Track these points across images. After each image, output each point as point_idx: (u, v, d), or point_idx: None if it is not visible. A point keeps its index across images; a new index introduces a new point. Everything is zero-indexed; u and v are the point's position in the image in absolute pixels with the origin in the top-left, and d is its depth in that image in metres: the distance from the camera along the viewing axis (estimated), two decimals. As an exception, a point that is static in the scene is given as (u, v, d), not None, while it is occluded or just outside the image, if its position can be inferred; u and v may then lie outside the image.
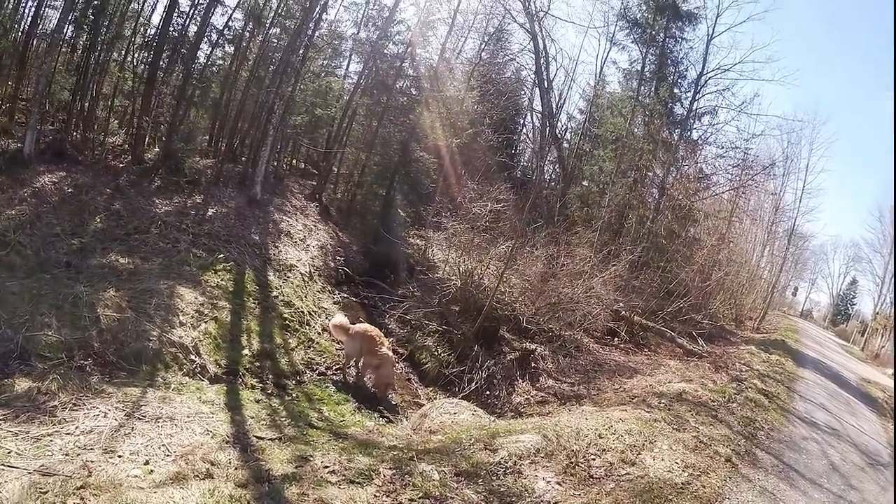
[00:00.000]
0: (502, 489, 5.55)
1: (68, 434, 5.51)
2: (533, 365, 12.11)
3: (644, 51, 22.26)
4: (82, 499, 4.30)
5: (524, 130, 29.47)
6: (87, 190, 12.01)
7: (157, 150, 14.67)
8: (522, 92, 28.14)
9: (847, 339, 55.74)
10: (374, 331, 10.33)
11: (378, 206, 18.18)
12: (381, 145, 18.55)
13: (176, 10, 14.62)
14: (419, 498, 5.07)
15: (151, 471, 5.05)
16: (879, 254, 50.14)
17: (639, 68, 22.55)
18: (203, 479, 4.82)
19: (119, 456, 5.31)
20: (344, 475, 5.21)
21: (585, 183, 23.32)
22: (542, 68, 21.41)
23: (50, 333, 7.43)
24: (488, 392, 11.21)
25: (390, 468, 5.48)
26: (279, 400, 8.71)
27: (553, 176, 26.17)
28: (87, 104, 14.09)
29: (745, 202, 29.88)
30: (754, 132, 23.31)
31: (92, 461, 5.05)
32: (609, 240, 18.31)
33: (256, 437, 6.28)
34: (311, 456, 5.57)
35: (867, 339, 49.89)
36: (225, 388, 8.24)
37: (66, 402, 6.08)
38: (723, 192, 23.60)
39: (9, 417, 5.59)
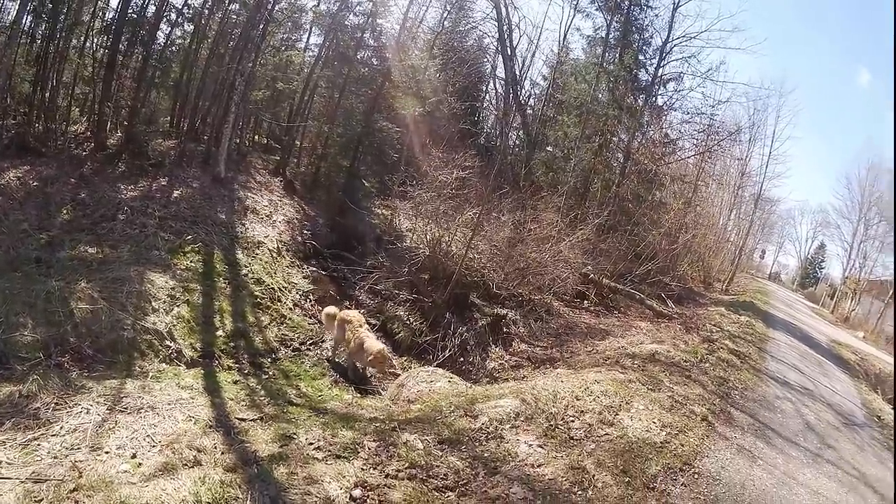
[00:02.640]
0: (486, 454, 5.67)
1: (54, 436, 5.43)
2: (505, 330, 12.20)
3: (609, 18, 22.13)
4: (76, 502, 4.24)
5: (487, 98, 29.38)
6: (51, 182, 11.81)
7: (119, 134, 14.33)
8: (485, 59, 27.92)
9: (816, 301, 57.42)
10: (352, 314, 10.32)
11: (342, 178, 18.13)
12: (344, 117, 18.36)
13: None
14: (406, 468, 5.16)
15: (140, 464, 5.00)
16: (847, 220, 50.66)
17: (603, 35, 22.53)
18: (192, 466, 4.82)
19: (106, 452, 5.25)
20: (329, 451, 5.26)
21: (550, 149, 23.26)
22: (505, 35, 21.44)
23: (26, 333, 7.36)
24: (462, 359, 11.32)
25: (374, 440, 5.56)
26: (256, 379, 8.77)
27: (518, 142, 26.13)
28: (47, 94, 13.68)
29: (712, 167, 30.34)
30: (720, 99, 23.71)
31: (80, 461, 4.99)
32: (575, 204, 18.53)
33: (238, 418, 6.26)
34: (295, 434, 5.62)
35: (837, 303, 51.94)
36: (202, 371, 8.29)
37: (49, 403, 6.00)
38: (688, 157, 23.92)
39: None
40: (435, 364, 10.62)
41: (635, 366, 9.69)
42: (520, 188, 17.87)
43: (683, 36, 20.85)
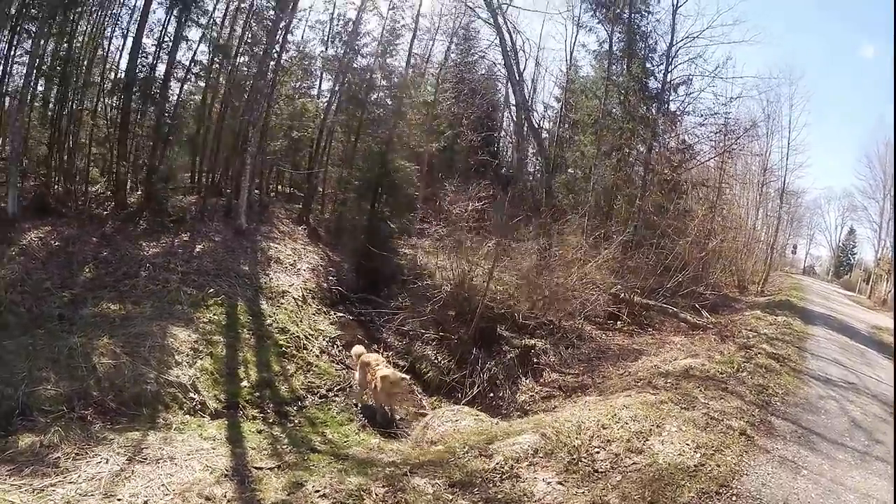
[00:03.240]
0: (499, 496, 5.43)
1: (70, 483, 5.60)
2: (535, 360, 12.03)
3: (610, 29, 22.04)
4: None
5: (503, 126, 29.57)
6: (73, 241, 12.24)
7: (139, 193, 14.85)
8: (497, 87, 28.16)
9: (852, 289, 56.04)
10: (371, 356, 10.44)
11: (365, 221, 18.27)
12: (363, 160, 18.69)
13: (141, 51, 14.75)
14: None
15: None
16: (873, 199, 49.75)
17: (608, 48, 22.23)
18: None
19: (118, 500, 5.41)
20: (335, 498, 5.18)
21: (571, 171, 23.14)
22: (511, 60, 21.36)
23: (49, 387, 7.55)
24: (492, 394, 11.23)
25: (383, 486, 5.42)
26: (281, 428, 8.81)
27: (536, 167, 26.06)
28: (65, 156, 14.26)
29: (733, 167, 29.90)
30: (731, 96, 23.15)
31: None
32: (599, 224, 18.12)
33: (256, 467, 6.28)
34: (306, 482, 5.56)
35: (872, 287, 50.56)
36: (226, 422, 8.38)
37: (69, 453, 6.18)
38: (708, 160, 23.59)
39: (13, 472, 5.70)
40: (464, 402, 10.66)
41: (668, 385, 9.35)
42: (540, 214, 17.71)
43: (687, 37, 20.60)
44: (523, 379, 11.54)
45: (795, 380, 10.72)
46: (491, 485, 5.65)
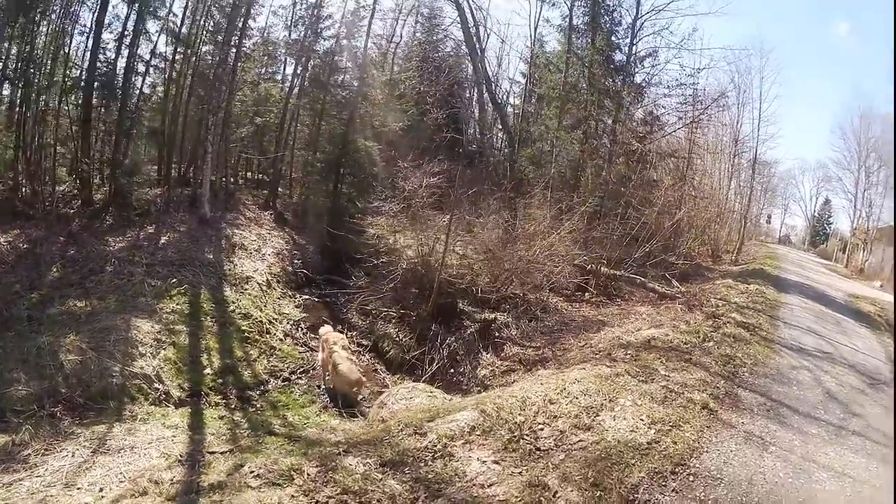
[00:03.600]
0: (430, 476, 5.39)
1: (37, 476, 6.10)
2: (496, 335, 12.14)
3: (571, 2, 21.93)
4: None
5: (470, 103, 29.47)
6: (41, 242, 12.43)
7: (105, 189, 14.99)
8: (463, 65, 27.79)
9: (828, 258, 57.46)
10: (332, 336, 10.77)
11: (328, 203, 18.40)
12: (328, 142, 18.78)
13: (100, 46, 14.80)
14: (337, 494, 5.06)
15: (102, 496, 5.65)
16: (848, 170, 51.22)
17: (573, 24, 22.19)
18: (139, 496, 5.21)
19: (78, 488, 5.91)
20: (267, 478, 5.30)
21: (538, 144, 23.30)
22: (471, 36, 21.33)
23: (20, 388, 7.98)
24: (452, 370, 11.37)
25: (316, 465, 5.50)
26: (242, 413, 9.18)
27: (503, 142, 26.03)
28: (31, 157, 14.28)
29: (704, 138, 30.66)
30: (698, 67, 23.53)
31: (52, 495, 5.69)
32: (565, 196, 18.30)
33: (210, 452, 6.60)
34: (244, 463, 5.72)
35: (849, 256, 52.02)
36: (189, 410, 8.78)
37: (39, 449, 6.69)
38: (675, 130, 23.72)
39: None
40: (424, 378, 10.84)
41: (627, 357, 9.14)
42: (504, 187, 17.51)
43: (653, 9, 20.74)
44: (484, 353, 11.73)
45: (766, 349, 10.58)
46: (422, 464, 5.62)
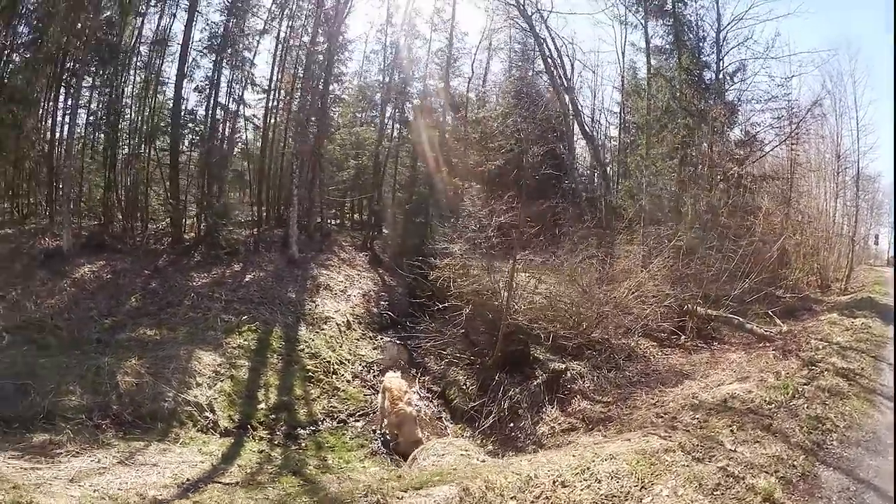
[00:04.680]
0: None
1: (53, 470, 6.92)
2: (568, 386, 11.33)
3: (645, 21, 21.75)
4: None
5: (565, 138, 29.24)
6: (124, 274, 13.83)
7: (201, 227, 16.38)
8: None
9: None
10: (395, 384, 10.84)
11: (420, 243, 18.07)
12: (422, 183, 19.53)
13: (182, 97, 16.69)
14: None
15: (94, 495, 6.37)
16: None
17: (658, 43, 22.05)
18: (118, 502, 5.91)
19: (79, 485, 6.58)
20: None
21: (635, 176, 21.96)
22: (555, 69, 21.52)
23: (73, 399, 8.90)
24: (512, 423, 10.69)
25: None
26: (283, 449, 9.60)
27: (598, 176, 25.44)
28: (119, 195, 16.07)
29: (804, 155, 28.63)
30: (789, 75, 21.79)
31: (51, 486, 6.40)
32: (661, 230, 17.09)
33: (217, 482, 7.23)
34: (234, 499, 6.25)
35: None
36: (232, 440, 9.44)
37: (71, 451, 7.51)
38: (774, 147, 22.21)
39: (15, 457, 7.16)
40: (479, 431, 10.55)
41: (693, 423, 8.03)
42: (591, 224, 17.23)
43: (734, 18, 20.04)
44: (548, 407, 10.80)
45: (865, 404, 9.08)
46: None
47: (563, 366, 11.96)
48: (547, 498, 5.80)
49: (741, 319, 14.74)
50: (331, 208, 19.99)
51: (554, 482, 6.04)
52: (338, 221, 20.12)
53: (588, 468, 6.29)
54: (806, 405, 8.70)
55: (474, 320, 13.16)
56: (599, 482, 5.99)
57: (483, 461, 8.33)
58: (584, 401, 11.06)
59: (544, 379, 11.60)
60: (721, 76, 20.26)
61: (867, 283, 29.41)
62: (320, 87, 16.98)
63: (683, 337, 14.20)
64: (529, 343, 12.55)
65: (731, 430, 7.54)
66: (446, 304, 13.63)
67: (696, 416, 8.34)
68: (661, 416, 8.91)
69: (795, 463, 6.73)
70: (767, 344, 13.27)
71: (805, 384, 9.64)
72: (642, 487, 5.92)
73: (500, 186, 18.07)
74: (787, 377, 10.11)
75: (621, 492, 5.84)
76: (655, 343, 13.81)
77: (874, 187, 48.95)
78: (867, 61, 72.07)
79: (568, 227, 16.28)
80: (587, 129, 23.73)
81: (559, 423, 10.45)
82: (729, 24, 20.11)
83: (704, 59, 20.62)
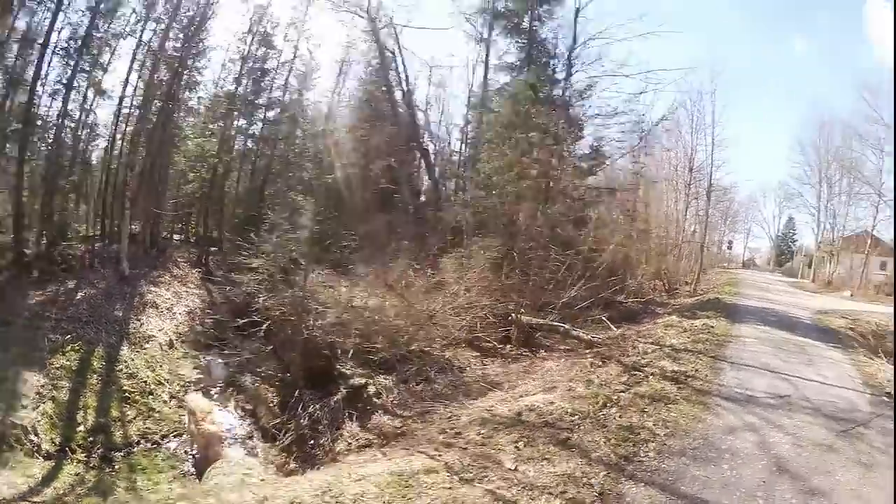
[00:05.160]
0: None
1: None
2: (373, 401, 11.97)
3: (510, 40, 23.46)
4: None
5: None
6: None
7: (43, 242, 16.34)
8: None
9: (794, 275, 62.51)
10: (198, 404, 11.79)
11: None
12: (254, 197, 20.43)
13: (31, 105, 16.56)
14: None
15: None
16: (809, 185, 55.77)
17: (509, 60, 23.75)
18: None
19: None
20: None
21: (475, 190, 23.60)
22: (404, 83, 23.62)
23: None
24: (312, 441, 11.23)
25: None
26: (96, 473, 10.14)
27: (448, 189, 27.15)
28: None
29: (656, 167, 32.24)
30: (637, 91, 22.35)
31: None
32: (505, 243, 18.53)
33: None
34: None
35: (815, 270, 55.91)
36: (52, 464, 9.87)
37: None
38: (616, 160, 24.24)
39: None
40: (279, 449, 11.26)
41: (477, 439, 7.87)
42: (429, 237, 18.60)
43: (590, 38, 21.45)
44: (348, 423, 11.35)
45: (696, 408, 9.09)
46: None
47: (364, 380, 12.63)
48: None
49: (567, 326, 15.73)
50: (177, 222, 20.54)
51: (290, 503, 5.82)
52: (182, 236, 20.70)
53: (331, 490, 6.09)
54: (619, 415, 8.64)
55: (282, 336, 13.90)
56: (338, 505, 5.39)
57: (262, 480, 8.84)
58: (384, 415, 11.49)
59: (344, 394, 12.20)
60: (569, 93, 21.79)
61: (718, 285, 32.18)
62: (171, 93, 17.75)
63: (509, 346, 14.95)
64: (336, 357, 13.22)
65: (517, 447, 7.30)
66: (253, 320, 14.21)
67: (482, 432, 8.07)
68: (446, 432, 8.67)
69: (593, 481, 6.38)
70: (593, 350, 13.89)
71: (622, 391, 9.74)
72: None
73: (338, 201, 19.64)
74: (601, 385, 10.15)
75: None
76: (479, 353, 14.55)
77: (728, 197, 56.27)
78: (733, 82, 79.06)
79: (398, 241, 17.40)
80: (423, 144, 25.30)
81: (357, 440, 10.81)
82: (582, 42, 21.67)
83: (555, 76, 22.17)
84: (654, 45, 57.91)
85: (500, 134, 21.53)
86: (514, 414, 8.72)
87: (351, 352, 13.28)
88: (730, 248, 78.75)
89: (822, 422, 8.94)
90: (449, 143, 29.51)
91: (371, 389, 12.46)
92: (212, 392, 13.14)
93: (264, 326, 13.66)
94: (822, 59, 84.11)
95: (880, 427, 9.00)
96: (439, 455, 7.25)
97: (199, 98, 20.85)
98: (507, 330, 15.24)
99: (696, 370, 11.42)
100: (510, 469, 6.65)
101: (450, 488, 6.18)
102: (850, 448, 7.94)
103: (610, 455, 7.09)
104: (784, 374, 11.79)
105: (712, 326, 16.09)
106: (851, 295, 38.20)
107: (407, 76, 23.57)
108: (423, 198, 24.56)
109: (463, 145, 28.17)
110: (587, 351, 13.87)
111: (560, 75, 22.38)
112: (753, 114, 76.16)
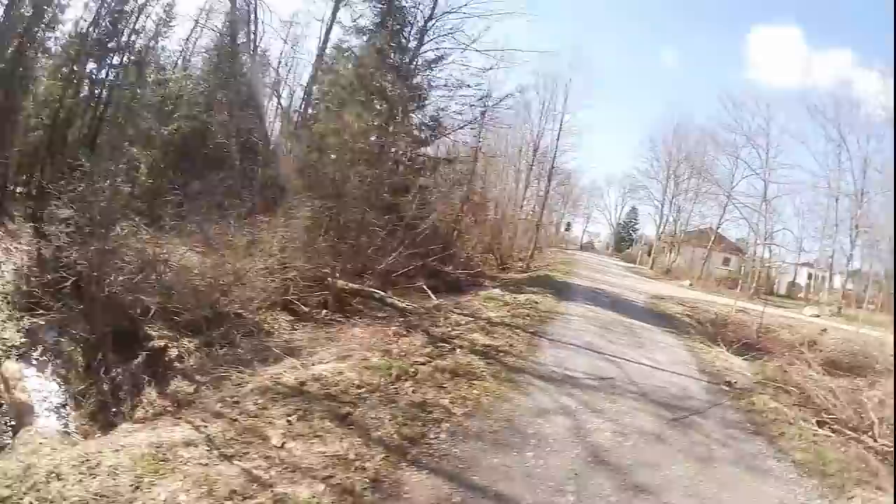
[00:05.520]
0: None
1: None
2: (174, 365, 11.79)
3: (368, 4, 22.96)
4: None
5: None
6: None
7: None
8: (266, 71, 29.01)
9: (633, 261, 67.77)
10: (9, 372, 11.37)
11: None
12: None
13: None
14: None
15: None
16: (656, 180, 62.59)
17: (363, 24, 23.34)
18: None
19: None
20: None
21: (310, 152, 22.49)
22: (253, 38, 23.64)
23: None
24: (115, 408, 11.13)
25: None
26: None
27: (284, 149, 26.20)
28: None
29: (497, 145, 33.42)
30: (487, 67, 24.29)
31: None
32: (332, 206, 18.22)
33: None
34: None
35: (654, 258, 61.84)
36: None
37: None
38: (457, 129, 24.70)
39: None
40: (84, 415, 11.05)
41: (253, 409, 6.87)
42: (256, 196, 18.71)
43: (449, 11, 21.98)
44: (147, 389, 11.14)
45: (503, 386, 8.54)
46: None
47: (165, 343, 12.50)
48: (38, 490, 5.03)
49: (382, 293, 15.65)
50: (22, 173, 20.06)
51: (49, 473, 5.22)
52: (26, 189, 20.41)
53: (90, 460, 5.39)
54: (412, 389, 7.84)
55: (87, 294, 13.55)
56: (94, 477, 5.10)
57: (53, 450, 7.51)
58: (183, 381, 11.07)
59: (144, 358, 12.07)
60: (419, 62, 22.25)
61: (553, 264, 33.79)
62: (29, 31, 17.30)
63: (325, 311, 14.84)
64: (142, 318, 13.04)
65: (289, 421, 6.44)
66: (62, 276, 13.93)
67: (259, 402, 7.07)
68: (225, 401, 7.45)
69: (367, 465, 5.61)
70: (406, 319, 13.39)
71: (422, 364, 8.99)
72: (137, 487, 4.96)
73: (178, 154, 19.13)
74: (400, 356, 9.35)
75: (114, 490, 4.91)
76: (294, 317, 14.20)
77: (571, 181, 62.19)
78: (594, 76, 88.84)
79: (222, 198, 17.55)
80: (268, 101, 25.69)
81: (154, 406, 10.30)
82: (442, 14, 22.21)
83: (408, 45, 22.34)
84: (519, 28, 62.10)
85: (338, 95, 21.73)
86: (298, 384, 7.76)
87: (153, 311, 13.03)
88: (568, 229, 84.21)
89: (651, 408, 8.59)
90: (291, 103, 29.59)
91: (173, 353, 12.25)
92: (32, 357, 12.87)
93: (69, 283, 13.66)
94: (688, 73, 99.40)
95: (719, 417, 8.85)
96: (205, 426, 6.34)
97: (55, 38, 20.35)
98: (325, 294, 15.15)
99: (511, 345, 11.09)
100: (276, 446, 5.90)
101: (206, 464, 5.44)
102: (684, 439, 7.61)
103: (393, 435, 6.35)
104: (609, 355, 11.50)
105: (537, 302, 16.37)
106: (691, 284, 41.64)
107: (257, 30, 22.87)
108: (260, 157, 23.84)
109: (306, 105, 27.95)
110: (401, 319, 13.46)
111: (413, 44, 22.49)
112: (609, 109, 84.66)
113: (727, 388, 10.67)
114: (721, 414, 8.93)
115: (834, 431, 9.06)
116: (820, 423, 9.31)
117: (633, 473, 6.11)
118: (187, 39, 26.71)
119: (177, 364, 12.09)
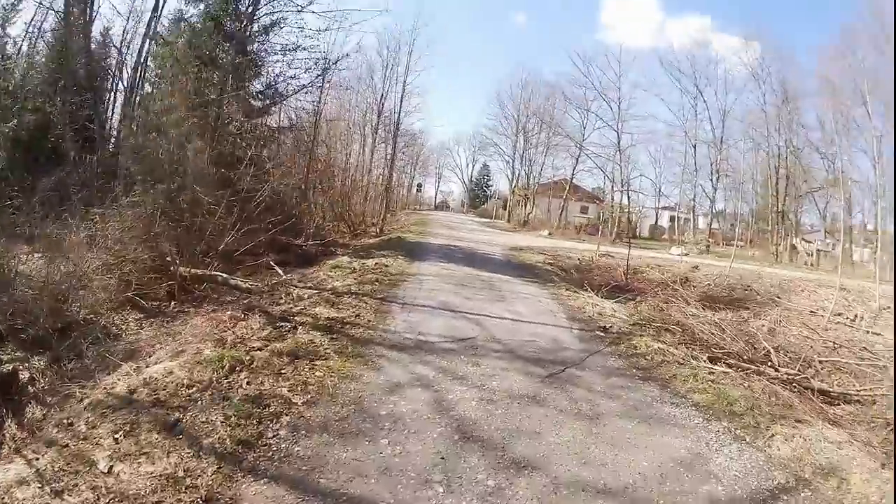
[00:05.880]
0: None
1: None
2: (29, 389, 9.61)
3: None
4: None
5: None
6: None
7: None
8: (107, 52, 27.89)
9: (489, 216, 69.92)
10: None
11: None
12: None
13: None
14: None
15: None
16: (505, 135, 64.89)
17: None
18: None
19: None
20: None
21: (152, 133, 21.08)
22: (81, 12, 21.89)
23: None
24: None
25: None
26: None
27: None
28: None
29: (347, 112, 35.03)
30: (322, 28, 23.76)
31: None
32: (163, 188, 17.36)
33: None
34: None
35: (510, 212, 64.25)
36: None
37: None
38: (294, 95, 24.14)
39: None
40: None
41: (82, 431, 5.88)
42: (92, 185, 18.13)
43: None
44: (7, 421, 8.33)
45: (350, 362, 7.74)
46: None
47: (12, 367, 10.57)
48: None
49: (225, 275, 14.58)
50: None
51: None
52: None
53: None
54: (247, 381, 6.92)
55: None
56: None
57: None
58: (38, 407, 8.99)
59: None
60: (253, 28, 21.36)
61: (406, 226, 33.96)
62: None
63: (174, 303, 13.80)
64: None
65: (116, 439, 5.51)
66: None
67: (90, 420, 6.02)
68: (61, 424, 6.34)
69: (199, 481, 4.80)
70: (247, 300, 12.37)
71: (258, 350, 8.00)
72: None
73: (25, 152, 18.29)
74: (235, 344, 8.26)
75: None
76: (143, 314, 12.77)
77: (419, 143, 66.24)
78: (435, 37, 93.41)
79: (53, 194, 16.47)
80: (105, 83, 24.27)
81: (16, 441, 7.90)
82: None
83: (243, 10, 21.21)
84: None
85: (173, 69, 20.52)
86: (129, 392, 6.63)
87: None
88: (419, 190, 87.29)
89: (521, 366, 7.85)
90: (135, 83, 27.33)
91: (25, 375, 10.47)
92: None
93: None
94: (539, 34, 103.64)
95: (599, 367, 8.24)
96: (36, 458, 5.43)
97: None
98: (171, 284, 14.00)
99: (358, 315, 10.34)
100: (103, 472, 5.01)
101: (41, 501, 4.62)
102: (563, 397, 6.89)
103: (226, 440, 5.48)
104: (468, 312, 10.85)
105: (386, 265, 15.81)
106: (550, 234, 42.95)
107: (93, 7, 20.80)
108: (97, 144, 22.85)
109: (142, 83, 26.38)
110: (246, 301, 12.35)
111: (248, 9, 21.42)
112: (458, 71, 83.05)
113: (603, 334, 10.27)
114: (601, 363, 8.43)
115: (730, 367, 8.84)
116: (712, 360, 9.10)
117: (510, 447, 5.50)
118: (30, 22, 25.00)
119: (30, 388, 10.08)
